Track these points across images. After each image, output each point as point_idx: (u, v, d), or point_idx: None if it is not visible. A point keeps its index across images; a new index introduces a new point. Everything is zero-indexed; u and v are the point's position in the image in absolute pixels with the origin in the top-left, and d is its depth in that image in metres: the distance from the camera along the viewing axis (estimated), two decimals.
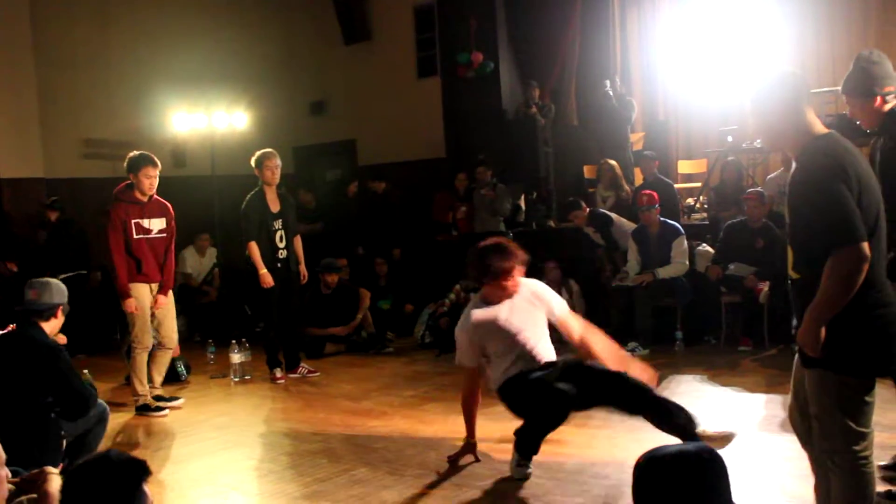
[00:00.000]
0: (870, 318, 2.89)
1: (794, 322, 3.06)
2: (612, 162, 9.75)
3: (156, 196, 6.63)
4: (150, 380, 6.71)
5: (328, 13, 12.87)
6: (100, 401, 4.76)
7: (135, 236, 6.49)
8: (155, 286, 6.61)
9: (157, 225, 6.62)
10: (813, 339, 2.88)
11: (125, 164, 6.59)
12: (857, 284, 2.81)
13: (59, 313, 4.67)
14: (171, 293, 6.77)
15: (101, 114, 11.23)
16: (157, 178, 6.57)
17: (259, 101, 11.76)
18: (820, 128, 3.00)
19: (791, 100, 2.99)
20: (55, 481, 3.18)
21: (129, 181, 6.58)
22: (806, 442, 3.14)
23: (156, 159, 6.60)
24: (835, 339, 2.87)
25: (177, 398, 6.83)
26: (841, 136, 3.06)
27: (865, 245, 2.79)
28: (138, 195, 6.53)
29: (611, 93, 10.47)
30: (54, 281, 4.80)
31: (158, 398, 6.70)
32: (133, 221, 6.50)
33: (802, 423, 3.11)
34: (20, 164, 10.51)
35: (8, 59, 10.38)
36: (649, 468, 1.97)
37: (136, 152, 6.69)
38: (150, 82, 11.35)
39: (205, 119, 10.86)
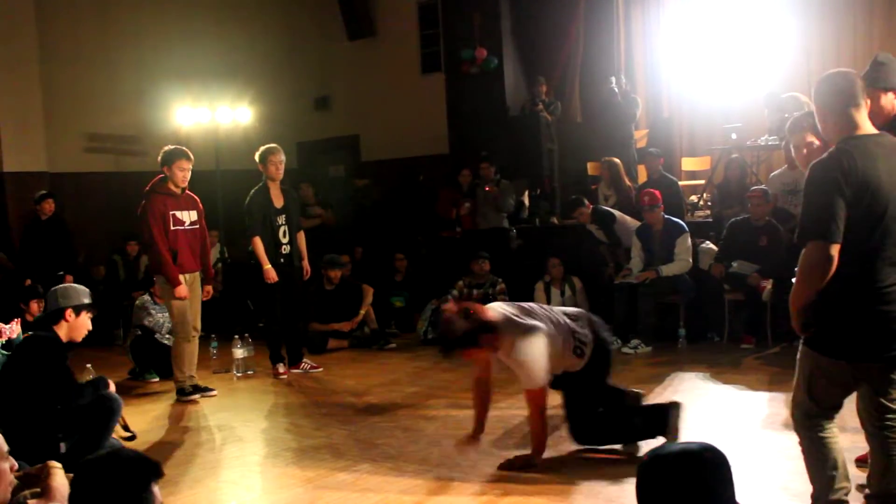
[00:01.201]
0: (862, 309, 3.12)
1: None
2: (614, 160, 9.72)
3: (187, 189, 6.82)
4: (189, 368, 6.87)
5: (332, 9, 12.87)
6: (109, 393, 4.79)
7: (171, 227, 6.67)
8: (190, 276, 6.78)
9: (190, 217, 6.80)
10: (793, 321, 3.25)
11: (159, 157, 6.76)
12: (820, 279, 3.07)
13: (69, 315, 4.70)
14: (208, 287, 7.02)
15: (105, 108, 11.24)
16: (190, 172, 6.74)
17: (263, 96, 11.77)
18: (866, 129, 3.20)
19: (836, 98, 3.22)
20: (59, 475, 3.19)
21: (162, 174, 6.73)
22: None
23: (189, 153, 6.77)
24: (822, 321, 3.17)
25: (210, 389, 6.94)
26: (888, 138, 3.25)
27: (833, 246, 3.03)
28: (172, 187, 6.69)
29: (616, 90, 10.44)
30: (65, 286, 4.89)
31: (194, 388, 6.85)
32: (170, 213, 6.67)
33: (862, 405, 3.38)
34: (23, 158, 10.52)
35: (12, 53, 10.38)
36: (653, 466, 1.97)
37: (170, 146, 6.86)
38: (153, 77, 11.35)
39: (208, 114, 10.87)
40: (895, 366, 3.19)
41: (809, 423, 3.33)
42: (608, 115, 10.47)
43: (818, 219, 3.07)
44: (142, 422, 6.22)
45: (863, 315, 3.12)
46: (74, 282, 6.89)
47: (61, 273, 9.08)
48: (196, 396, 6.75)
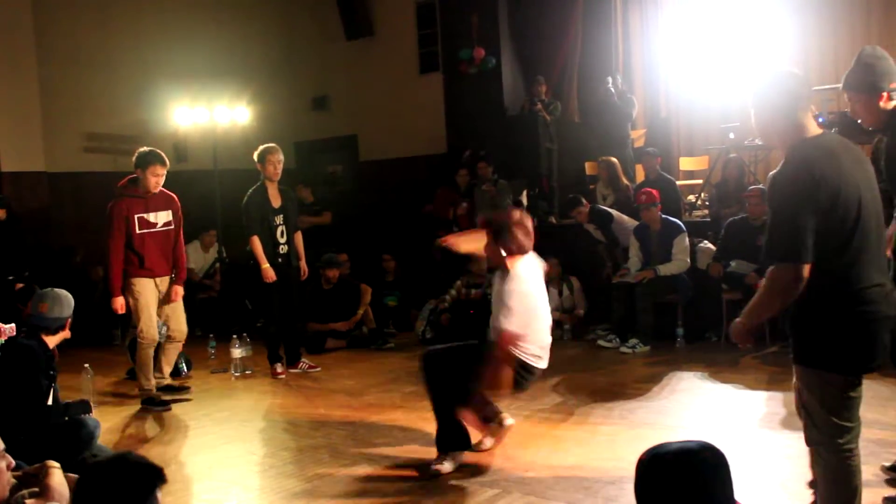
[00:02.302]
0: (851, 315, 2.95)
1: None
2: (611, 159, 9.73)
3: (161, 188, 6.57)
4: (159, 370, 6.75)
5: (330, 8, 12.86)
6: (85, 420, 4.67)
7: (137, 231, 6.44)
8: (160, 280, 6.58)
9: (162, 218, 6.57)
10: (742, 332, 3.17)
11: (133, 158, 6.54)
12: (789, 299, 2.94)
13: (67, 326, 4.68)
14: (177, 288, 6.74)
15: (103, 108, 11.22)
16: (164, 177, 6.50)
17: (261, 95, 11.77)
18: (813, 129, 3.02)
19: (785, 99, 3.02)
20: (57, 475, 3.19)
21: (133, 175, 6.53)
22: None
23: (165, 158, 6.52)
24: (817, 337, 2.97)
25: (186, 388, 6.88)
26: (837, 136, 3.10)
27: (805, 266, 2.86)
28: (140, 190, 6.48)
29: (612, 90, 10.46)
30: (65, 293, 4.79)
31: (167, 388, 6.76)
32: (136, 216, 6.45)
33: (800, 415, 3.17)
34: (22, 158, 10.51)
35: (10, 52, 10.37)
36: (652, 465, 1.97)
37: (145, 148, 6.59)
38: (151, 77, 11.34)
39: (206, 113, 10.86)
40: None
41: (837, 445, 3.01)
42: (605, 115, 10.50)
43: (787, 239, 2.88)
44: (139, 422, 6.23)
45: (849, 320, 2.95)
46: (73, 283, 6.88)
47: (11, 278, 8.77)
48: (167, 408, 6.44)
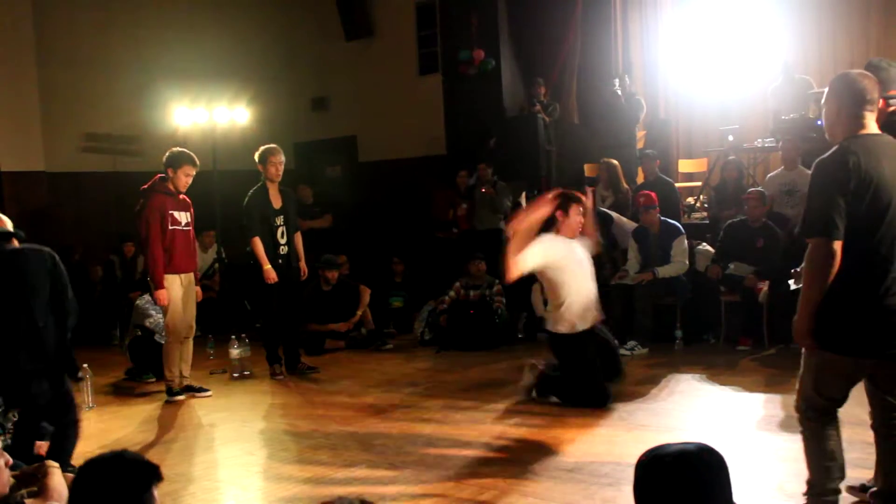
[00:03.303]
0: (865, 303, 3.20)
1: None
2: (612, 161, 9.72)
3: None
4: (179, 370, 6.85)
5: (330, 9, 12.86)
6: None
7: (169, 227, 6.63)
8: (185, 277, 6.76)
9: (185, 218, 6.78)
10: (802, 325, 3.26)
11: (164, 157, 6.72)
12: (827, 273, 3.16)
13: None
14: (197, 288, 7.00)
15: (103, 108, 11.23)
16: (192, 178, 6.72)
17: (260, 96, 11.78)
18: (871, 129, 3.28)
19: (853, 96, 3.27)
20: (56, 475, 3.20)
21: (162, 174, 6.71)
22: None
23: (196, 159, 6.75)
24: (826, 317, 3.22)
25: (205, 389, 6.95)
26: (889, 137, 3.33)
27: (835, 243, 3.13)
28: (171, 188, 6.67)
29: (619, 91, 10.43)
30: None
31: (188, 388, 6.85)
32: (169, 212, 6.64)
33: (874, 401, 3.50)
34: (21, 158, 10.52)
35: (10, 53, 10.39)
36: (651, 467, 1.98)
37: (177, 148, 6.83)
38: (151, 77, 11.35)
39: (206, 114, 10.87)
40: None
41: (814, 416, 3.43)
42: (611, 116, 10.43)
43: (821, 216, 3.16)
44: (138, 422, 6.24)
45: (866, 310, 3.19)
46: (71, 283, 6.87)
47: None
48: (182, 397, 6.73)
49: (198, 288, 6.99)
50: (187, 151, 6.78)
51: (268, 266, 7.34)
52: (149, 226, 6.57)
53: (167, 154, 6.74)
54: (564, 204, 5.91)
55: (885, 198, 3.17)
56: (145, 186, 6.77)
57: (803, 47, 10.35)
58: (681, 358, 7.59)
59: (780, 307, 7.47)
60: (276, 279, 7.38)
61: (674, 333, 8.04)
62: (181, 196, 6.77)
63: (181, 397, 6.72)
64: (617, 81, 10.53)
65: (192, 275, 6.87)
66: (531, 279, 8.96)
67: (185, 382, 6.89)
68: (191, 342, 6.97)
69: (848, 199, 3.13)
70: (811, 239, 3.22)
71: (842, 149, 3.21)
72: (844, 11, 10.29)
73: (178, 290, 6.69)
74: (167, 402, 6.70)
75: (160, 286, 6.58)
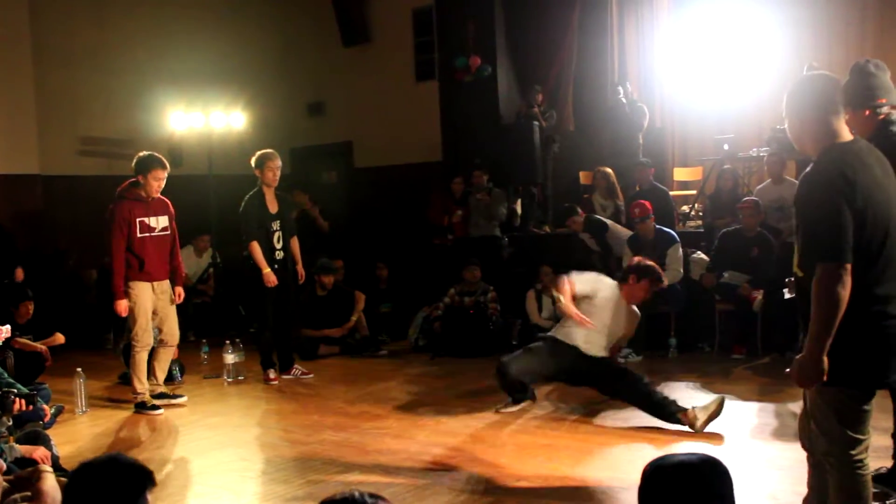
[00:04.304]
0: (871, 330, 2.89)
1: (801, 335, 3.06)
2: (607, 169, 9.72)
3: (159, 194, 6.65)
4: (153, 377, 6.74)
5: (327, 15, 12.87)
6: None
7: (138, 235, 6.49)
8: (157, 284, 6.61)
9: (161, 223, 6.63)
10: (816, 366, 2.83)
11: (133, 163, 6.59)
12: (841, 299, 2.78)
13: None
14: (179, 289, 6.81)
15: (98, 111, 11.22)
16: (164, 181, 6.57)
17: (257, 101, 11.77)
18: (845, 135, 2.98)
19: (817, 101, 2.98)
20: (49, 479, 3.19)
21: (133, 179, 6.57)
22: (807, 443, 3.18)
23: (165, 162, 6.61)
24: (835, 351, 2.85)
25: (180, 395, 6.85)
26: (867, 143, 3.08)
27: (847, 266, 2.78)
28: (142, 193, 6.54)
29: (623, 99, 10.43)
30: None
31: (161, 395, 6.73)
32: (137, 220, 6.50)
33: (806, 423, 3.14)
34: (16, 161, 10.49)
35: (6, 55, 10.36)
36: (654, 477, 1.99)
37: (145, 152, 6.67)
38: (147, 81, 11.34)
39: (202, 118, 10.86)
40: None
41: (850, 459, 2.96)
42: (614, 124, 10.41)
43: (829, 237, 2.80)
44: (131, 426, 6.22)
45: (873, 332, 2.90)
46: (66, 287, 6.86)
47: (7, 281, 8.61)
48: (159, 412, 6.48)
49: (179, 289, 6.77)
50: (156, 155, 6.62)
51: (267, 269, 7.34)
52: (111, 234, 6.44)
53: (136, 159, 6.58)
54: (643, 274, 6.05)
55: (885, 209, 2.89)
56: (116, 192, 6.62)
57: (799, 56, 10.36)
58: (675, 366, 7.59)
59: (774, 316, 7.49)
60: (276, 282, 7.38)
61: (668, 341, 8.04)
62: (155, 199, 6.59)
63: (159, 412, 6.49)
64: (620, 90, 10.52)
65: (166, 282, 6.67)
66: (525, 286, 9.03)
67: (158, 390, 6.73)
68: (171, 350, 6.85)
69: (855, 216, 2.80)
70: (819, 264, 2.81)
71: (832, 162, 2.88)
72: (841, 19, 10.30)
73: (147, 299, 6.53)
74: (137, 412, 6.49)
75: (119, 297, 6.45)
